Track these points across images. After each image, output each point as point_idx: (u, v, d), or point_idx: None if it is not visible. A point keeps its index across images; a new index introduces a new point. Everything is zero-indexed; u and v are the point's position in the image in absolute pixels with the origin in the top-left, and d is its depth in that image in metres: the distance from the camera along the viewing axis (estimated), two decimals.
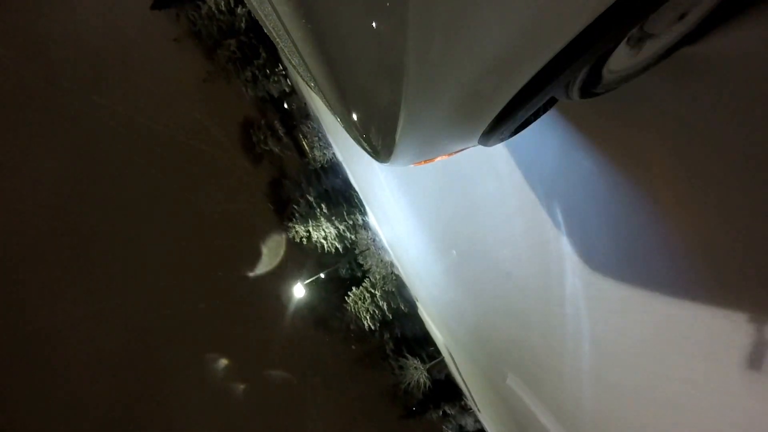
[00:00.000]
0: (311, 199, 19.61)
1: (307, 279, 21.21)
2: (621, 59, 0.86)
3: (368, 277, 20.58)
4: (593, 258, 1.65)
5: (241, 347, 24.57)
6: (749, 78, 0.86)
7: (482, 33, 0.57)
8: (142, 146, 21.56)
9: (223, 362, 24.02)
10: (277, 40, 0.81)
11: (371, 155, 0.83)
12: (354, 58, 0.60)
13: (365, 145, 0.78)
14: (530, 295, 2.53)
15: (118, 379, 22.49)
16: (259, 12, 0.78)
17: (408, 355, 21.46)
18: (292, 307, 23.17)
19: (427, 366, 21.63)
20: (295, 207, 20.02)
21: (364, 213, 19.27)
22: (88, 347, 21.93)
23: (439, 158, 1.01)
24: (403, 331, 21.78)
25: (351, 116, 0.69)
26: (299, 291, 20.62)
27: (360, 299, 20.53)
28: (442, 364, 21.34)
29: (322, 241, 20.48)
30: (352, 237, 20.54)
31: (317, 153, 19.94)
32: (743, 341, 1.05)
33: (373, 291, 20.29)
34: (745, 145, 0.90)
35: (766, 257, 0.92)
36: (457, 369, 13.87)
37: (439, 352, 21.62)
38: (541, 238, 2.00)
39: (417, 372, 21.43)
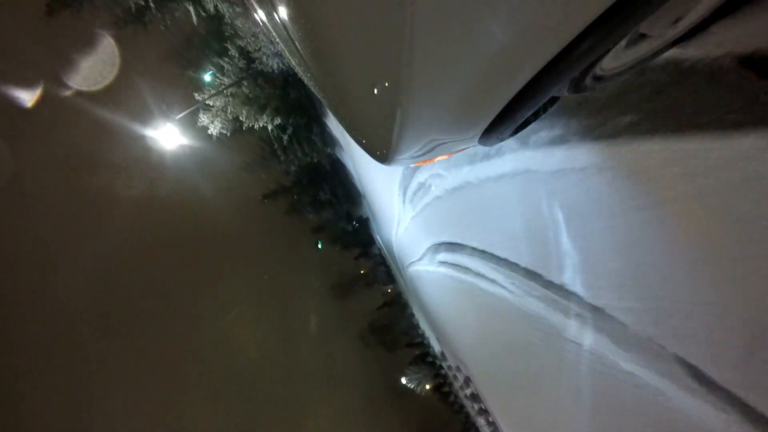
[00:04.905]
0: None
1: None
2: (613, 58, 0.88)
3: None
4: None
5: None
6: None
7: (482, 34, 0.56)
8: None
9: None
10: (278, 40, 0.80)
11: (371, 155, 0.82)
12: (352, 57, 0.60)
13: (364, 145, 0.79)
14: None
15: None
16: (260, 13, 0.76)
17: None
18: None
19: None
20: None
21: None
22: None
23: (439, 158, 0.99)
24: None
25: (350, 117, 0.70)
26: None
27: None
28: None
29: None
30: None
31: None
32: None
33: None
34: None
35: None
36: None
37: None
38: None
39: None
